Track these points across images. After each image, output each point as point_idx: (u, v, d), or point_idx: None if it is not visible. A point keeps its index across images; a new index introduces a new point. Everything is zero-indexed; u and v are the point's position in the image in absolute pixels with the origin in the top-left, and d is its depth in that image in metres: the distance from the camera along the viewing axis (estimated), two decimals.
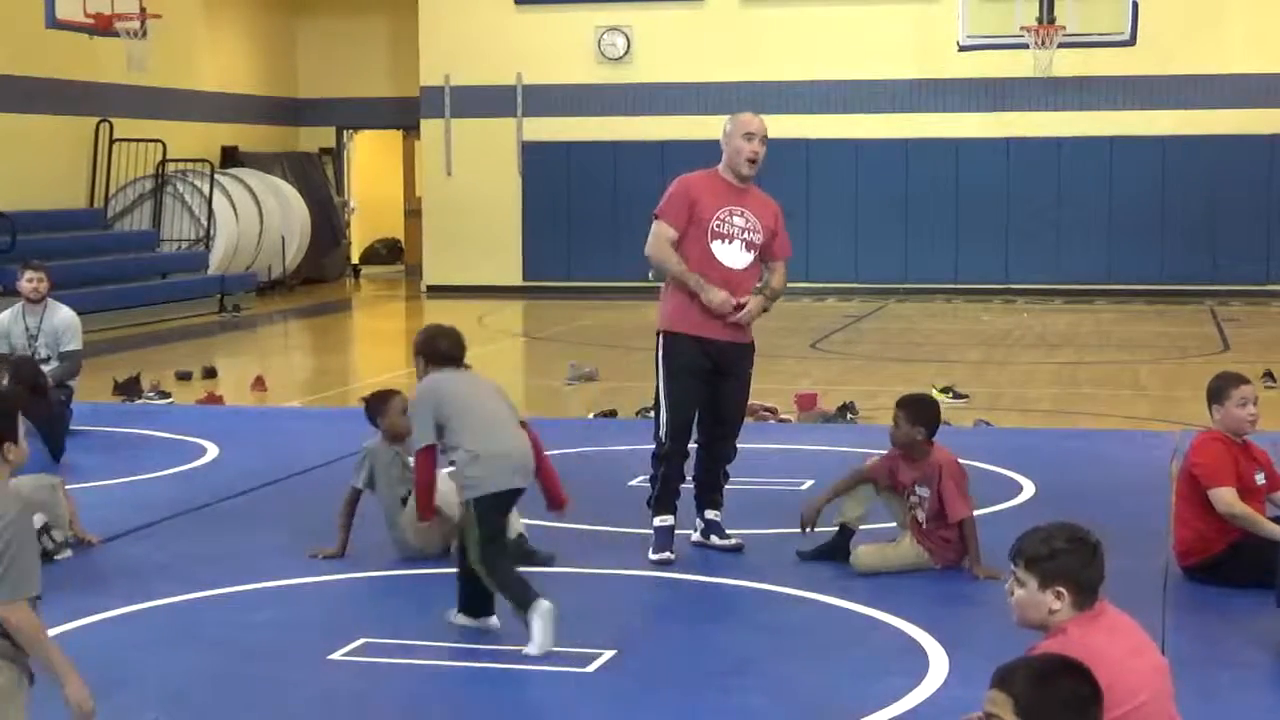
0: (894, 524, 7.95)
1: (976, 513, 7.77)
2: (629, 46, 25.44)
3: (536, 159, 25.81)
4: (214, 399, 13.85)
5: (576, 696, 6.05)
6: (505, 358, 18.62)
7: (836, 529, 7.88)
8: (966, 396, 13.61)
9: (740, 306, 7.94)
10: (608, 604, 7.38)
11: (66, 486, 8.33)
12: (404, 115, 27.48)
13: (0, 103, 20.94)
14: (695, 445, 8.20)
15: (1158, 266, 24.14)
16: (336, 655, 6.46)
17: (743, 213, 8.02)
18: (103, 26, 19.78)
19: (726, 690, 6.08)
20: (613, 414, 12.75)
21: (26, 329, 11.40)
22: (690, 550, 8.11)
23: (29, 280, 11.47)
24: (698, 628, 6.97)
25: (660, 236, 8.02)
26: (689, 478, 8.18)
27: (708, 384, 8.02)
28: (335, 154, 29.21)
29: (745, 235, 8.00)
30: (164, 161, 23.78)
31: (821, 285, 24.21)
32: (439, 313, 24.02)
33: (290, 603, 7.21)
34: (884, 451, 8.00)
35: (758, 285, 8.11)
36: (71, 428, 11.21)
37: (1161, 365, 16.56)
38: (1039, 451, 10.85)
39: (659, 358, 8.05)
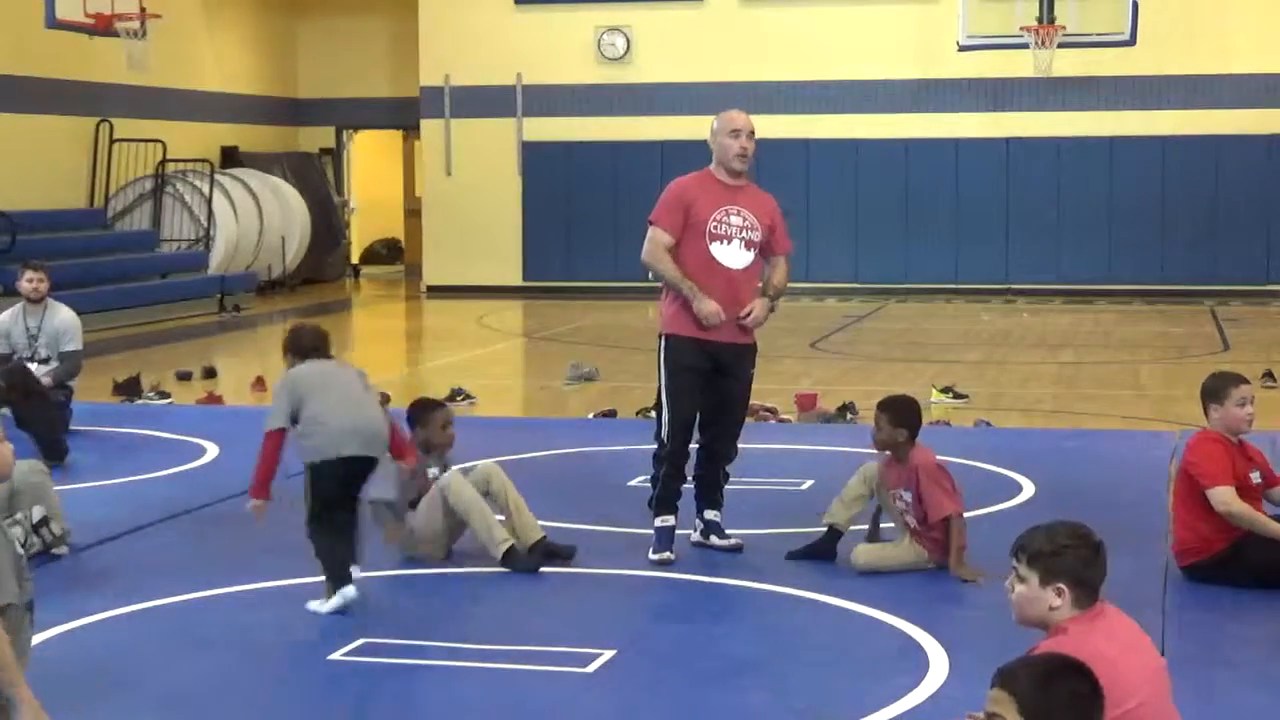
0: (892, 524, 7.95)
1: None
2: (629, 46, 25.42)
3: (536, 159, 25.79)
4: (214, 399, 13.85)
5: (576, 696, 6.04)
6: (505, 358, 18.63)
7: (825, 530, 7.87)
8: (966, 396, 13.60)
9: (745, 311, 7.94)
10: (608, 604, 7.39)
11: (66, 487, 8.32)
12: (404, 115, 27.47)
13: (0, 103, 20.95)
14: (696, 445, 8.20)
15: (1158, 267, 24.13)
16: (336, 655, 6.46)
17: (739, 211, 8.01)
18: (103, 26, 19.79)
19: (726, 690, 6.08)
20: (613, 414, 12.75)
21: (27, 329, 11.38)
22: (690, 550, 8.11)
23: (29, 280, 11.46)
24: (698, 628, 6.96)
25: (656, 243, 8.02)
26: (690, 478, 8.18)
27: (709, 384, 8.02)
28: (335, 154, 29.19)
29: (744, 234, 7.99)
30: (164, 161, 23.78)
31: (821, 285, 24.19)
32: (439, 313, 24.05)
33: (290, 603, 7.20)
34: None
35: (758, 285, 8.11)
36: (71, 428, 11.22)
37: (1161, 365, 16.56)
38: (1039, 451, 10.84)
39: (660, 359, 8.07)
